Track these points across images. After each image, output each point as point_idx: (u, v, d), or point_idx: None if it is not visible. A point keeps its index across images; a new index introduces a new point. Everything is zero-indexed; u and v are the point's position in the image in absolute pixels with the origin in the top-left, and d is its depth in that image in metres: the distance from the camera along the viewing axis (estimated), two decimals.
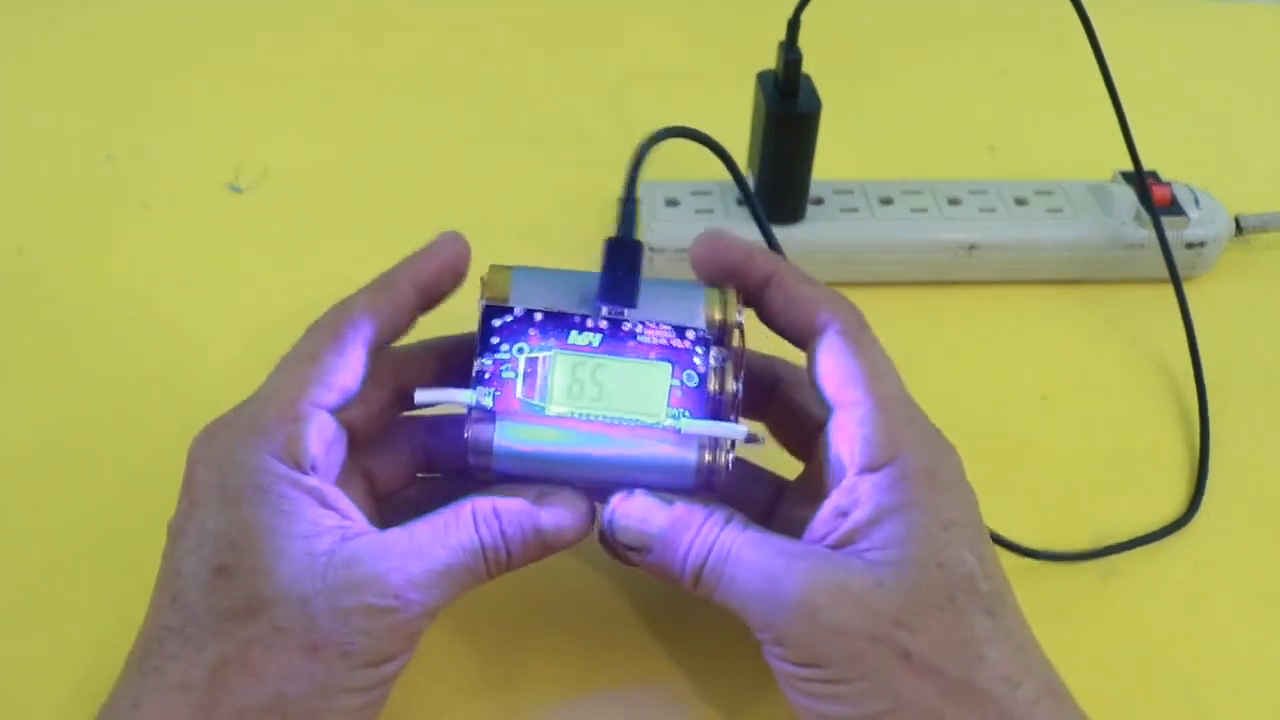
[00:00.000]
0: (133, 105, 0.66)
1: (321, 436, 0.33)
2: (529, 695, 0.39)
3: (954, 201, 0.59)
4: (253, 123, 0.65)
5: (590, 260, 0.36)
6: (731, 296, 0.36)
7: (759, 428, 0.39)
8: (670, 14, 0.76)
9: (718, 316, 0.36)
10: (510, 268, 0.36)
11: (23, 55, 0.69)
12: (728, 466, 0.35)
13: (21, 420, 0.47)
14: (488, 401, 0.34)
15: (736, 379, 0.35)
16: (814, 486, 0.37)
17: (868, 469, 0.33)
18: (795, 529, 0.35)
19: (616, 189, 0.49)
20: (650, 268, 0.46)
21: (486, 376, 0.34)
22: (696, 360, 0.35)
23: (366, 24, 0.73)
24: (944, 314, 0.57)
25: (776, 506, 0.40)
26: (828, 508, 0.34)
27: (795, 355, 0.39)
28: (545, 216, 0.59)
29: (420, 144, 0.64)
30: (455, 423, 0.36)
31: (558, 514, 0.34)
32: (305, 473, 0.32)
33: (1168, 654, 0.42)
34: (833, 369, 0.35)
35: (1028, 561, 0.44)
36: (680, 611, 0.42)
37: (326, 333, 0.34)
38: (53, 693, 0.38)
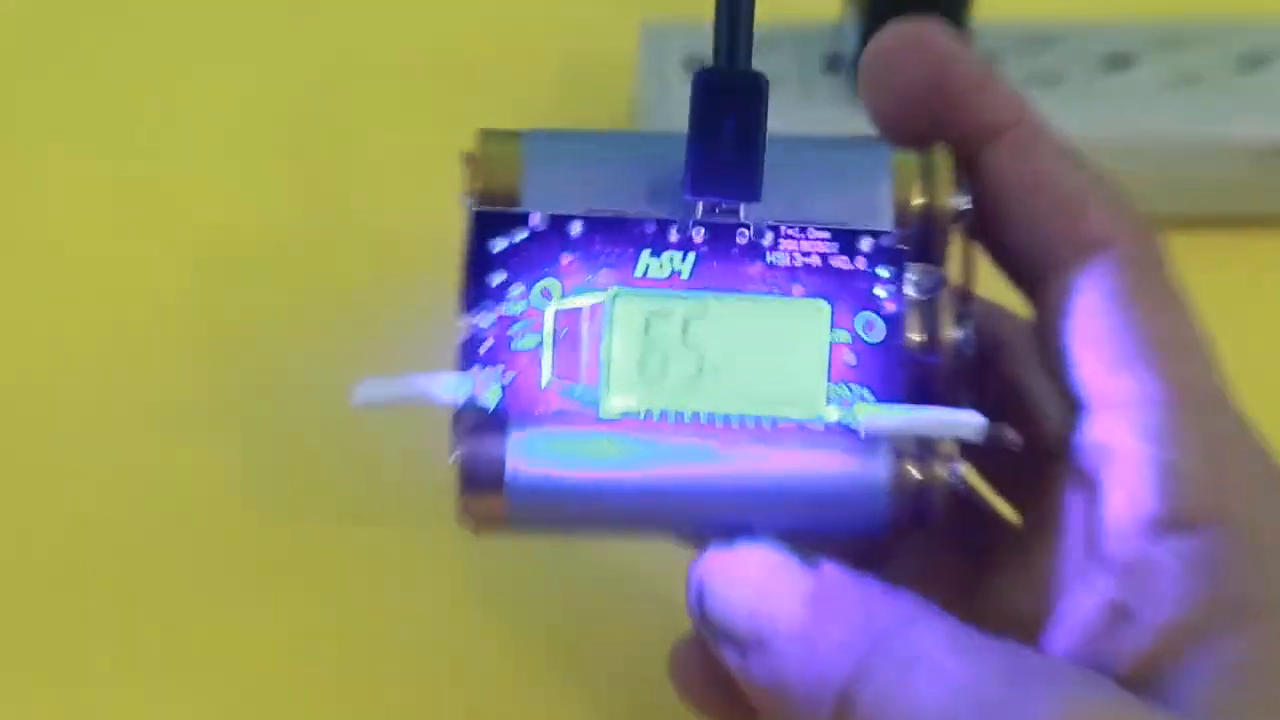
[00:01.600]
0: None
1: None
2: None
3: (1253, 62, 0.51)
4: None
5: None
6: (943, 159, 0.32)
7: None
8: None
9: (916, 200, 0.31)
10: (517, 135, 0.32)
11: None
12: (953, 490, 0.31)
13: None
14: (489, 397, 0.30)
15: (960, 322, 0.31)
16: (1043, 549, 0.33)
17: (1168, 526, 0.30)
18: (1012, 623, 0.32)
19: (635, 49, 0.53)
20: None
21: (484, 348, 0.30)
22: (880, 291, 0.30)
23: None
24: (1226, 270, 0.49)
25: (981, 579, 0.36)
26: (1091, 601, 0.30)
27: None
28: (535, 97, 0.55)
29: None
30: None
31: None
32: None
33: None
34: (1100, 329, 0.31)
35: None
36: None
37: None
38: None
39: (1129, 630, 0.30)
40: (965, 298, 0.32)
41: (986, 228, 0.33)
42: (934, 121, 0.33)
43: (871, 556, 0.33)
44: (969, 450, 0.34)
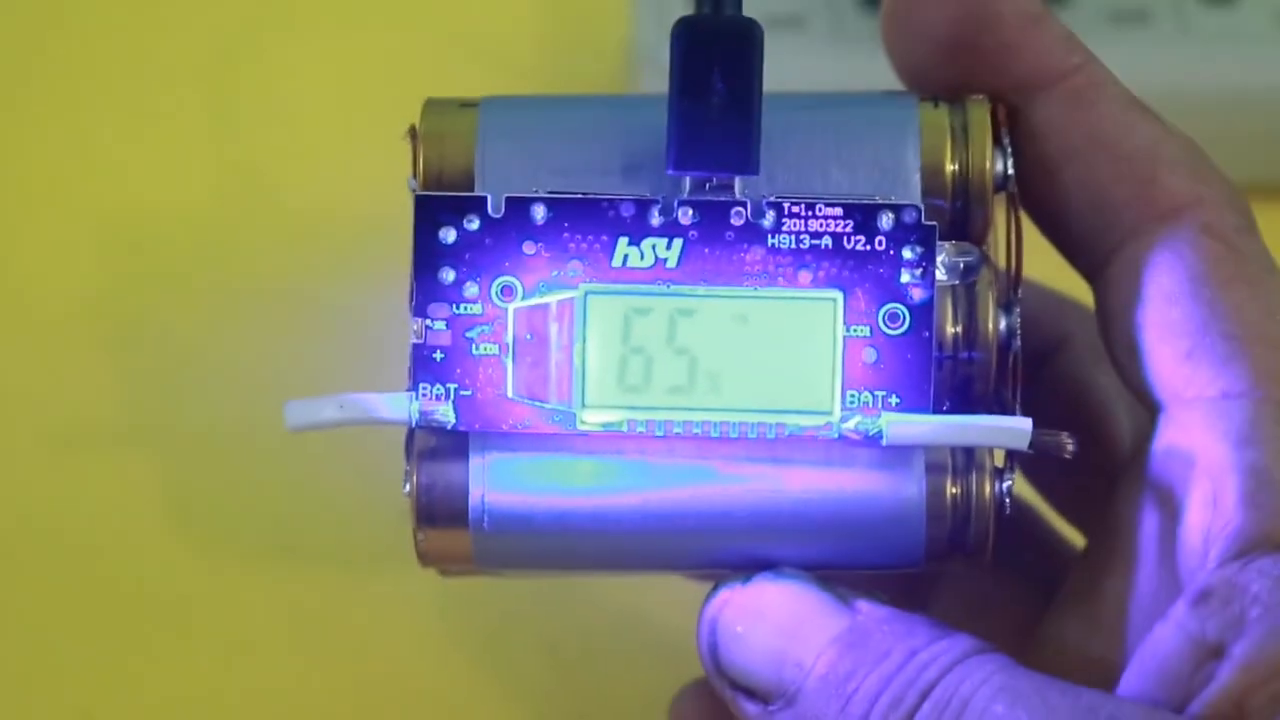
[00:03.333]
0: None
1: None
2: None
3: None
4: None
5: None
6: (980, 113, 0.31)
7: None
8: None
9: (949, 166, 0.31)
10: (473, 105, 0.32)
11: None
12: (1000, 507, 0.31)
13: None
14: (447, 413, 0.30)
15: (1005, 306, 0.31)
16: (1113, 577, 0.33)
17: (1258, 544, 0.29)
18: (1080, 664, 0.32)
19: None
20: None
21: (439, 357, 0.30)
22: (905, 276, 0.30)
23: None
24: None
25: (1042, 616, 0.35)
26: (1170, 636, 0.29)
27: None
28: (512, 48, 0.55)
29: None
30: None
31: None
32: None
33: None
34: (1176, 314, 0.31)
35: None
36: None
37: None
38: None
39: (1214, 669, 0.29)
40: (1011, 281, 0.31)
41: (1038, 196, 0.32)
42: (972, 69, 0.32)
43: (913, 593, 0.34)
44: (1026, 465, 0.35)
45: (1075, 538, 0.38)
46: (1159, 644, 0.29)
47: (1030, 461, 0.35)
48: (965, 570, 0.33)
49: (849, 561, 0.32)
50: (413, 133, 0.32)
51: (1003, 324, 0.31)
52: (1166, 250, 0.31)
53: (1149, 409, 0.31)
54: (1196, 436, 0.30)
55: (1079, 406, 0.36)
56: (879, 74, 0.35)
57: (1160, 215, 0.31)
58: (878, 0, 0.50)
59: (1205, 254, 0.31)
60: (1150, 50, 0.50)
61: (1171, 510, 0.31)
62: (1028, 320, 0.33)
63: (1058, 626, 0.34)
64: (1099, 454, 0.35)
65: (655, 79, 0.49)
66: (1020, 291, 0.32)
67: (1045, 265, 0.34)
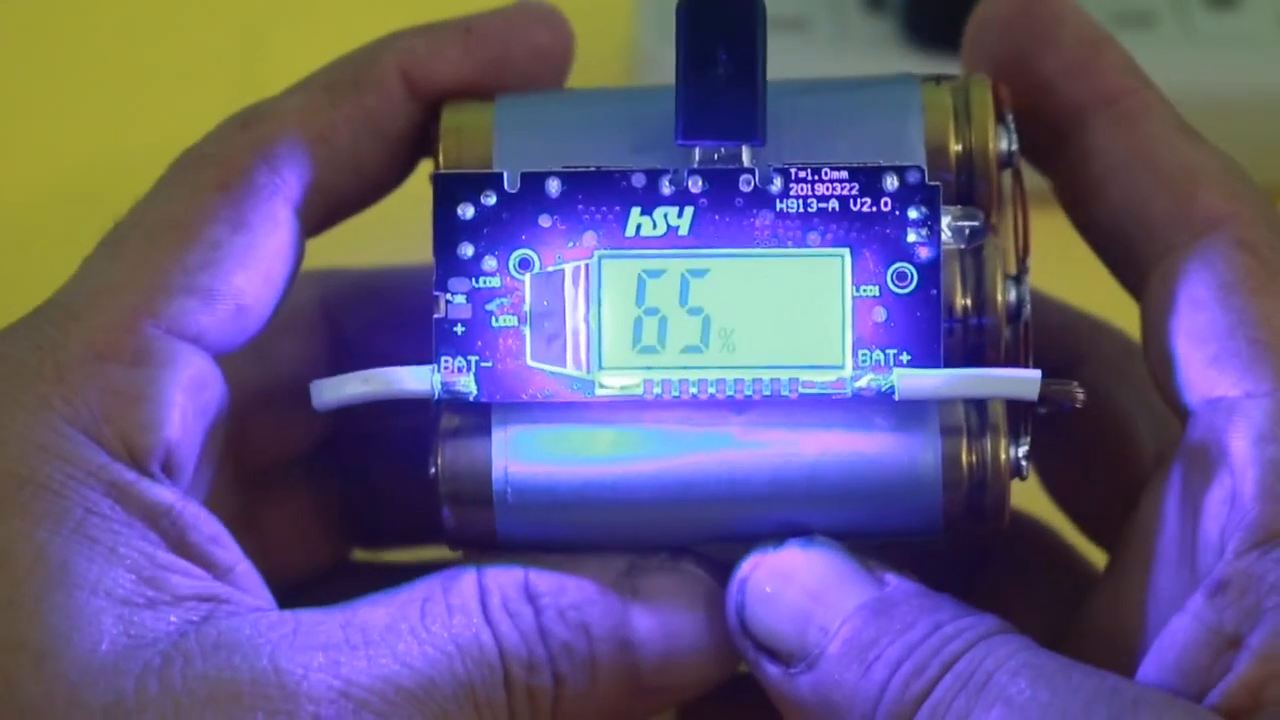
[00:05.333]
0: None
1: (190, 401, 0.30)
2: None
3: None
4: None
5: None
6: (981, 91, 0.31)
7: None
8: None
9: (954, 145, 0.31)
10: (490, 101, 0.32)
11: None
12: (1015, 471, 0.31)
13: None
14: (469, 384, 0.30)
15: (1014, 277, 0.31)
16: (1136, 569, 0.33)
17: (1275, 536, 0.29)
18: (1102, 650, 0.32)
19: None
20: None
21: (460, 330, 0.30)
22: (911, 235, 0.30)
23: None
24: None
25: (1069, 607, 0.36)
26: (1188, 625, 0.29)
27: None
28: None
29: None
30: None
31: (667, 614, 0.31)
32: (149, 474, 0.29)
33: None
34: (1206, 321, 0.31)
35: None
36: None
37: (213, 177, 0.31)
38: None
39: (1232, 659, 0.29)
40: (1020, 253, 0.31)
41: (1086, 213, 0.33)
42: (1029, 90, 0.33)
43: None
44: (1048, 482, 0.36)
45: (1096, 556, 0.39)
46: (1176, 635, 0.30)
47: (1052, 477, 0.37)
48: (982, 537, 0.33)
49: (869, 527, 0.32)
50: (441, 127, 0.33)
51: (1012, 294, 0.32)
52: (1200, 262, 0.32)
53: (1180, 416, 0.32)
54: (1219, 435, 0.31)
55: (1101, 422, 0.36)
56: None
57: (1197, 230, 0.32)
58: (881, 3, 0.52)
59: (1236, 265, 0.31)
60: (1153, 53, 0.46)
61: (1192, 508, 0.31)
62: (1051, 338, 0.35)
63: (1083, 614, 0.35)
64: (1120, 468, 0.36)
65: (656, 79, 0.49)
66: (1042, 305, 0.33)
67: (1072, 278, 0.36)
